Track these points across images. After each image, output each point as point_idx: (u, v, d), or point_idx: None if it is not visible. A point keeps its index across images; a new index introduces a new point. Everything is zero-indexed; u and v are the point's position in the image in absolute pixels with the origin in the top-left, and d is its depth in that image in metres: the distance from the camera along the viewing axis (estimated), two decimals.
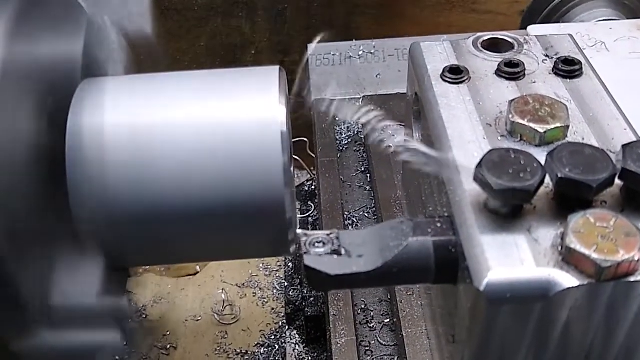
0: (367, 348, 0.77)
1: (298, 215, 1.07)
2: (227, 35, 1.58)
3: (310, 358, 0.90)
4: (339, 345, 0.75)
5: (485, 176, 0.51)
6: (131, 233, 0.69)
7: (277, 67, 0.73)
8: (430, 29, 1.53)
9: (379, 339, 0.77)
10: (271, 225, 0.68)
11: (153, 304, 1.23)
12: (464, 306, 0.53)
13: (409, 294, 0.79)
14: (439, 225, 0.56)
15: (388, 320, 0.80)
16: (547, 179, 0.52)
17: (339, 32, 1.56)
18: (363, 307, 0.81)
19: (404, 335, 0.74)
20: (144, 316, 1.21)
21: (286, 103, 0.69)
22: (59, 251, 0.67)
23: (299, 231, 0.56)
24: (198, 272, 1.29)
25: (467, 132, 0.61)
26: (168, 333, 1.18)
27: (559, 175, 0.51)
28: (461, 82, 0.67)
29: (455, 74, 0.68)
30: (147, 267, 1.28)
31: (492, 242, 0.51)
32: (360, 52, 1.22)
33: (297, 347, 0.90)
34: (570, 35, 0.76)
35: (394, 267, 0.54)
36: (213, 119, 0.68)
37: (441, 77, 0.68)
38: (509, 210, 0.53)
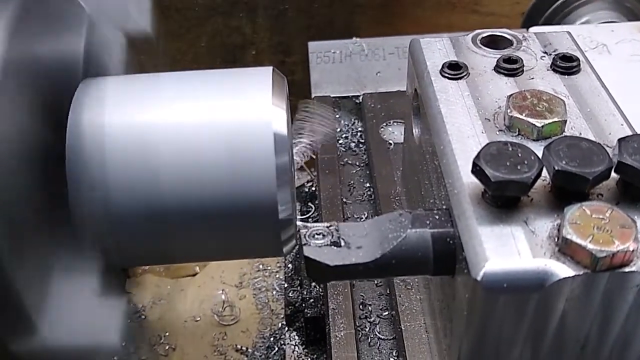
0: (365, 342, 0.77)
1: (298, 217, 1.07)
2: (228, 35, 1.58)
3: (309, 359, 0.91)
4: (337, 338, 0.76)
5: (483, 168, 0.51)
6: (129, 233, 0.69)
7: (270, 68, 0.73)
8: (431, 30, 1.53)
9: (377, 333, 0.78)
10: (264, 225, 0.68)
11: (152, 304, 1.23)
12: (461, 297, 0.54)
13: (407, 287, 0.79)
14: (437, 217, 0.57)
15: (387, 313, 0.80)
16: (545, 172, 0.53)
17: (339, 32, 1.56)
18: (362, 301, 0.81)
19: (403, 329, 0.75)
20: (143, 317, 1.21)
21: (283, 104, 0.70)
22: (58, 251, 0.67)
23: (299, 223, 0.56)
24: (197, 273, 1.29)
25: (465, 127, 0.62)
26: (167, 334, 1.18)
27: (556, 168, 0.51)
28: (460, 78, 0.68)
29: (454, 69, 0.68)
30: (146, 267, 1.28)
31: (489, 234, 0.51)
32: (361, 50, 1.22)
33: (297, 348, 0.90)
34: (569, 32, 0.76)
35: (392, 258, 0.55)
36: (209, 120, 0.69)
37: (440, 73, 0.69)
38: (506, 202, 0.53)
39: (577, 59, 0.70)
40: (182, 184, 0.67)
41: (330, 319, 0.78)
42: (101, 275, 0.73)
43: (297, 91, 1.08)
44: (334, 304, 0.79)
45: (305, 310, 0.89)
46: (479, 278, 0.49)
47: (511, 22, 1.50)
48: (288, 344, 0.91)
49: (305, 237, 0.56)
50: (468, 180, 0.55)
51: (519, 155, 0.52)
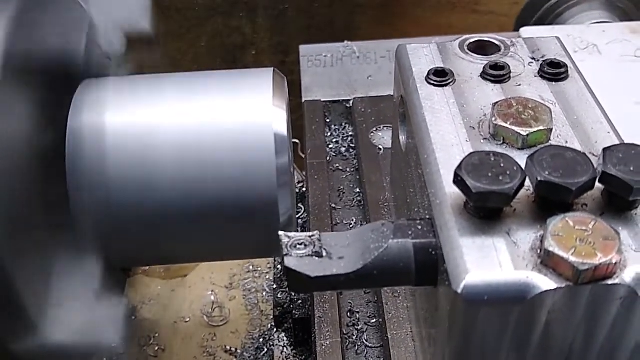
0: (352, 350, 0.76)
1: None
2: (228, 36, 1.58)
3: None
4: (323, 347, 0.75)
5: (464, 179, 0.51)
6: (130, 233, 0.69)
7: (271, 69, 0.73)
8: (431, 30, 1.53)
9: (365, 341, 0.77)
10: (265, 225, 0.68)
11: (142, 305, 1.23)
12: (443, 308, 0.53)
13: (395, 295, 0.79)
14: (419, 227, 0.56)
15: (375, 321, 0.80)
16: (528, 182, 0.52)
17: (339, 32, 1.55)
18: (349, 309, 0.81)
19: (389, 337, 0.74)
20: (133, 317, 1.21)
21: (284, 104, 0.70)
22: (58, 251, 0.67)
23: (280, 233, 0.56)
24: (187, 274, 1.29)
25: (450, 135, 0.61)
26: (156, 335, 1.18)
27: (539, 179, 0.51)
28: (446, 85, 0.67)
29: (440, 76, 0.68)
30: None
31: (471, 245, 0.51)
32: (352, 54, 1.22)
33: (285, 349, 0.90)
34: (558, 38, 0.76)
35: (374, 269, 0.54)
36: (209, 121, 0.69)
37: (426, 80, 0.68)
38: (488, 213, 0.53)
39: (565, 65, 0.69)
40: (183, 184, 0.67)
41: (317, 327, 0.77)
42: (101, 275, 0.73)
43: (297, 92, 1.07)
44: (320, 312, 0.79)
45: (294, 312, 0.89)
46: (459, 290, 0.49)
47: (510, 21, 1.50)
48: (277, 345, 0.91)
49: (286, 247, 0.55)
50: (451, 190, 0.54)
51: (502, 165, 0.52)
